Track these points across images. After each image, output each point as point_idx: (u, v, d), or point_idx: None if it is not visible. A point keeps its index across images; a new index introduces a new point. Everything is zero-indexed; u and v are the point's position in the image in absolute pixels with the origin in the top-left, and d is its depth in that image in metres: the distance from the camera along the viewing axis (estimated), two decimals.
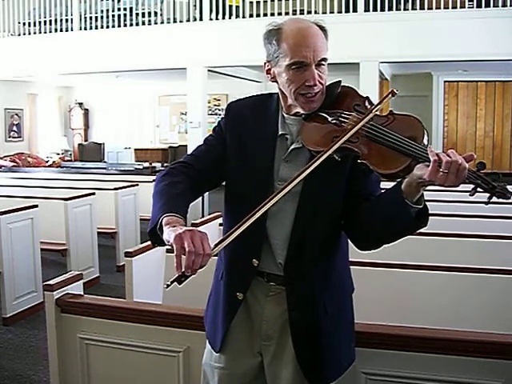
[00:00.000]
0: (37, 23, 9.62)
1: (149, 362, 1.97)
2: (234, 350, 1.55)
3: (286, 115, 1.51)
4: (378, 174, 1.36)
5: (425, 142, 1.32)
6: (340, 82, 1.52)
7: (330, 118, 1.43)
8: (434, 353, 1.67)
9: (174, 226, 1.31)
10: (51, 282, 2.08)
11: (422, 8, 7.59)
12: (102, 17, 9.18)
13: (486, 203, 1.30)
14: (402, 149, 1.31)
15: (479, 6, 7.33)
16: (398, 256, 2.67)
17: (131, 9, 9.01)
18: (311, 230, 1.47)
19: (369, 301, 2.46)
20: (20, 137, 11.86)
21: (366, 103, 1.46)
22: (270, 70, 1.48)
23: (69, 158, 12.37)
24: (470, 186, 1.29)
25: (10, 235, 4.02)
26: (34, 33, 9.70)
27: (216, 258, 1.56)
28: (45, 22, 9.54)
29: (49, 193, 5.28)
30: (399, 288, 2.51)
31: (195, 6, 8.72)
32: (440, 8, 7.52)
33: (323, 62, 1.42)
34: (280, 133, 1.50)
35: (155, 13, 8.87)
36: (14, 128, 11.68)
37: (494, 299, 2.41)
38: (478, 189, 1.28)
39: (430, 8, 7.57)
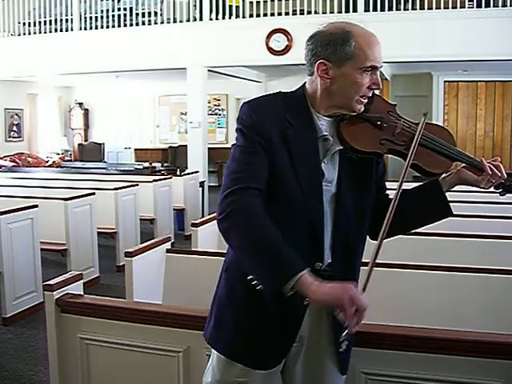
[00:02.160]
0: (37, 23, 9.62)
1: (149, 362, 1.97)
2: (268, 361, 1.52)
3: (319, 115, 1.50)
4: (426, 174, 1.57)
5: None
6: None
7: (378, 122, 1.54)
8: (434, 353, 1.67)
9: (321, 285, 1.30)
10: (51, 282, 2.08)
11: (422, 8, 7.59)
12: (101, 17, 9.17)
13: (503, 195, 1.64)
14: (449, 154, 1.57)
15: (479, 6, 7.32)
16: (398, 256, 2.67)
17: (131, 9, 9.00)
18: (350, 228, 1.52)
19: (369, 301, 2.46)
20: (20, 137, 11.85)
21: (396, 110, 1.60)
22: (327, 70, 1.44)
23: (69, 158, 12.36)
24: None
25: (10, 235, 4.02)
26: (34, 33, 9.69)
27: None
28: (45, 22, 9.53)
29: (49, 193, 5.28)
30: (399, 288, 2.51)
31: (195, 5, 8.72)
32: (440, 8, 7.52)
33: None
34: (322, 134, 1.49)
35: (155, 13, 8.86)
36: (14, 128, 11.67)
37: (494, 299, 2.41)
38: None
39: (430, 8, 7.57)
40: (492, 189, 1.60)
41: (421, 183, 1.62)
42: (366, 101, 1.49)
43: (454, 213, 1.57)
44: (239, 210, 1.35)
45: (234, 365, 1.51)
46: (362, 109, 1.50)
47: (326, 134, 1.49)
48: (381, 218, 1.53)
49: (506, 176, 1.54)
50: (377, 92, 1.55)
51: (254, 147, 1.42)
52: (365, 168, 1.53)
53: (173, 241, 3.19)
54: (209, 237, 3.28)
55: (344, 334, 1.34)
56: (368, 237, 1.63)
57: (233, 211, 1.36)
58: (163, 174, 7.55)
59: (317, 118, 1.50)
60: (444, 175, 1.59)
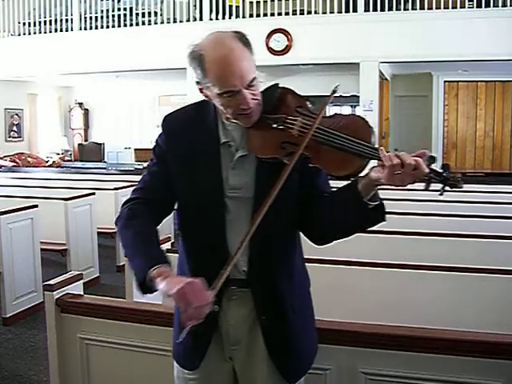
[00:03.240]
0: (37, 23, 9.63)
1: (149, 362, 1.97)
2: (207, 360, 1.54)
3: (226, 122, 1.47)
4: (332, 176, 1.38)
5: (372, 140, 1.34)
6: (277, 85, 1.49)
7: (274, 125, 1.42)
8: (434, 353, 1.67)
9: (167, 277, 1.32)
10: (51, 282, 2.08)
11: (422, 8, 7.60)
12: (101, 17, 9.19)
13: (441, 194, 1.34)
14: (354, 151, 1.32)
15: (479, 5, 7.34)
16: (398, 256, 2.67)
17: (131, 9, 9.01)
18: (269, 233, 1.44)
19: (369, 301, 2.47)
20: (20, 137, 11.86)
21: (308, 104, 1.44)
22: (202, 90, 1.43)
23: (69, 158, 12.36)
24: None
25: (10, 235, 4.02)
26: (34, 33, 9.70)
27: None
28: (45, 21, 9.55)
29: (49, 193, 5.28)
30: (399, 288, 2.51)
31: (195, 6, 8.73)
32: (440, 8, 7.53)
33: (253, 82, 1.38)
34: (223, 141, 1.47)
35: (155, 13, 8.87)
36: (14, 128, 11.67)
37: (494, 299, 2.41)
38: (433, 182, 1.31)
39: (430, 8, 7.58)
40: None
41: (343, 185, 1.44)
42: (250, 115, 1.40)
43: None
44: (123, 216, 1.50)
45: None
46: (253, 119, 1.42)
47: (227, 140, 1.46)
48: (320, 221, 1.47)
49: (419, 162, 1.26)
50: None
51: (157, 162, 1.54)
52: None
53: (173, 241, 3.18)
54: None
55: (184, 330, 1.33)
56: (312, 242, 1.56)
57: (120, 217, 1.51)
58: None
59: (223, 124, 1.48)
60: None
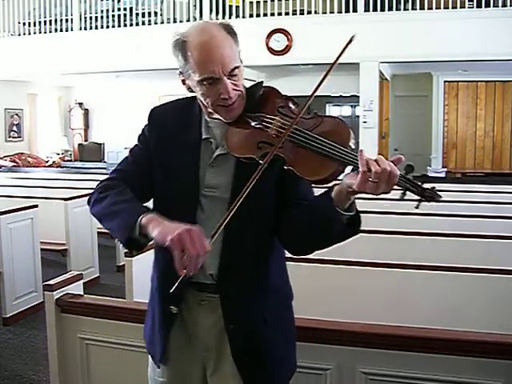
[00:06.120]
0: (37, 23, 9.63)
1: (149, 362, 1.97)
2: (176, 363, 1.51)
3: (208, 119, 1.44)
4: (307, 181, 1.31)
5: (351, 145, 1.28)
6: (262, 83, 1.46)
7: (253, 123, 1.38)
8: (434, 353, 1.67)
9: (160, 224, 1.28)
10: (51, 282, 2.08)
11: (422, 8, 7.61)
12: (102, 17, 9.19)
13: (417, 207, 1.27)
14: (328, 154, 1.26)
15: (479, 5, 7.34)
16: (399, 256, 2.67)
17: (131, 9, 9.02)
18: (242, 237, 1.40)
19: (369, 301, 2.47)
20: (20, 137, 11.86)
21: (290, 104, 1.40)
22: (184, 81, 1.41)
23: (69, 158, 12.36)
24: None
25: (10, 235, 4.02)
26: (34, 33, 9.70)
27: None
28: (45, 21, 9.55)
29: (49, 193, 5.28)
30: (399, 288, 2.51)
31: (195, 6, 8.73)
32: (440, 8, 7.54)
33: (235, 71, 1.34)
34: (204, 137, 1.44)
35: (155, 13, 8.87)
36: (14, 128, 11.67)
37: (495, 299, 2.41)
38: (408, 192, 1.23)
39: (430, 8, 7.58)
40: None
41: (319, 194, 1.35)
42: (232, 107, 1.36)
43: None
44: (96, 190, 1.50)
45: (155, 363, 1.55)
46: (235, 113, 1.38)
47: (207, 136, 1.44)
48: (293, 233, 1.40)
49: (395, 171, 1.19)
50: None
51: (141, 147, 1.54)
52: (264, 173, 1.31)
53: None
54: None
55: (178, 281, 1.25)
56: (289, 253, 1.49)
57: (92, 193, 1.51)
58: None
59: (206, 120, 1.45)
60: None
